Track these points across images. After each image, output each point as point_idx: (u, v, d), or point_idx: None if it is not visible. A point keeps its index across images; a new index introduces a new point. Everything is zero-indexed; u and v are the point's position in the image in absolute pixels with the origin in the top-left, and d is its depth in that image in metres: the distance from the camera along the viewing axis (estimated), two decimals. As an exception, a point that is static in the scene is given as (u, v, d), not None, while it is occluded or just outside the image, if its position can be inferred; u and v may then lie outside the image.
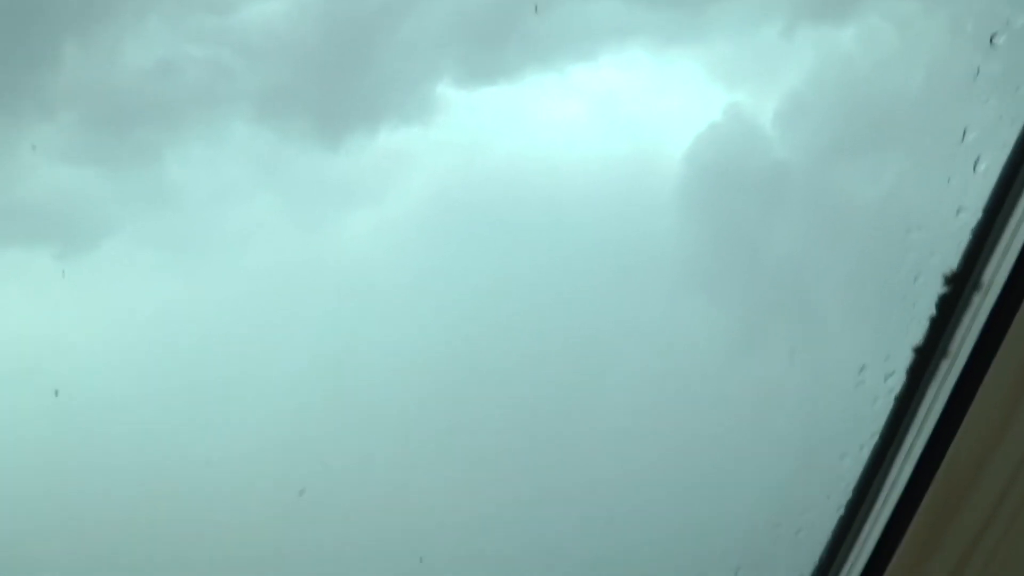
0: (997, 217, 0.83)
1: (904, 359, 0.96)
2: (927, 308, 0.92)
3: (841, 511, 1.06)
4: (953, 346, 0.88)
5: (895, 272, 1.00)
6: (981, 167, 0.90)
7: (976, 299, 0.85)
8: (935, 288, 0.91)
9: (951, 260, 0.89)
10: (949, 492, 0.93)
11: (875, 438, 0.99)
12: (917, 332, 0.93)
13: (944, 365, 0.89)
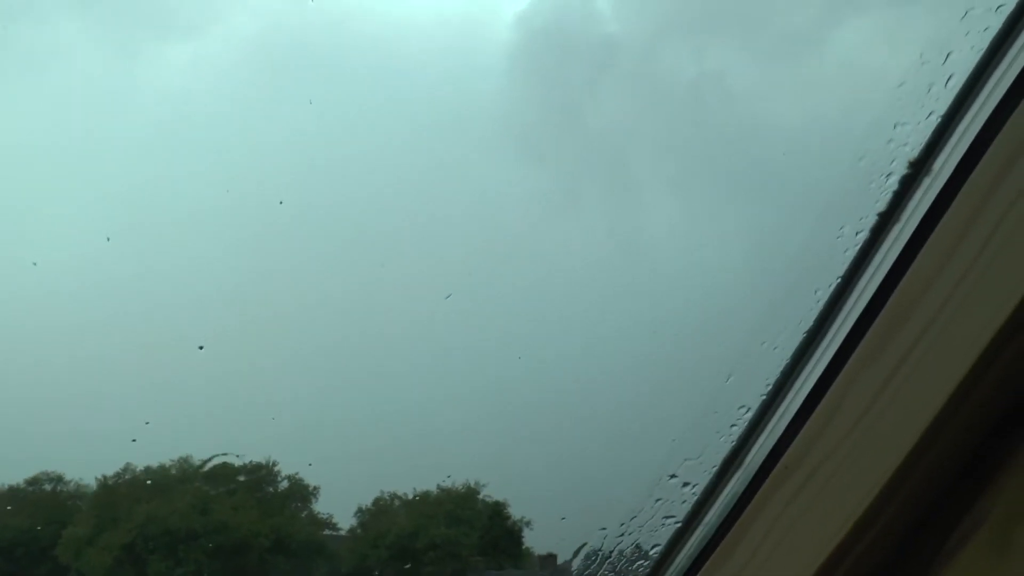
0: (953, 119, 1.10)
1: (871, 221, 1.26)
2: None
3: (804, 333, 1.40)
4: (904, 215, 1.18)
5: (876, 163, 1.28)
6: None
7: (926, 181, 1.14)
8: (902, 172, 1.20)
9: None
10: (891, 322, 1.25)
11: (839, 279, 1.31)
12: (884, 203, 1.24)
13: (896, 228, 1.19)
